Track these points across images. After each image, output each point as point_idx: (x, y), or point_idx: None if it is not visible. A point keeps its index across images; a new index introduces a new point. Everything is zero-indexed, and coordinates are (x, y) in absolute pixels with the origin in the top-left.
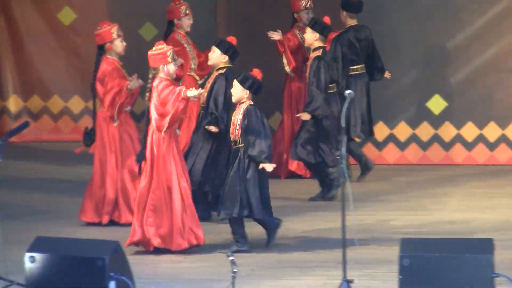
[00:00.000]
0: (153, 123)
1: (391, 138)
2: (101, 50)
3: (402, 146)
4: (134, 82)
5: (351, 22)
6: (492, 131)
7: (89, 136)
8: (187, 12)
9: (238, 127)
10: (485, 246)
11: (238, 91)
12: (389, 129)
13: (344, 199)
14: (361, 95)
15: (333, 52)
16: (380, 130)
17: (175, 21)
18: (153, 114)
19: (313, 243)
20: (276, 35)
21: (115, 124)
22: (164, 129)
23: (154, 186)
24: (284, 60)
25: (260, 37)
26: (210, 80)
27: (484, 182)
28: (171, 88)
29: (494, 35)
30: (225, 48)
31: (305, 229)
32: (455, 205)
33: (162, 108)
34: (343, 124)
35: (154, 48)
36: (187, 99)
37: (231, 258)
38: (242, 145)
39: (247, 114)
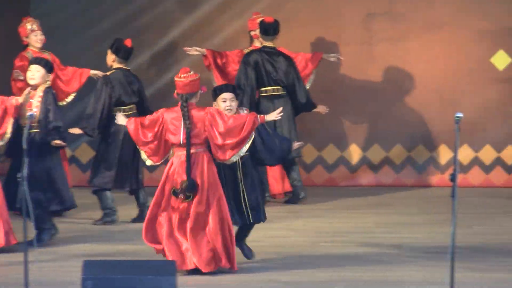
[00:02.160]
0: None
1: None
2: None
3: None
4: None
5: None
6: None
7: None
8: (33, 28)
9: None
10: (168, 268)
11: None
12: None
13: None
14: None
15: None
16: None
17: (24, 39)
18: None
19: None
20: (192, 50)
21: None
22: None
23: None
24: (212, 76)
25: None
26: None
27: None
28: None
29: None
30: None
31: None
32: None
33: None
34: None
35: None
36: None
37: None
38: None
39: None
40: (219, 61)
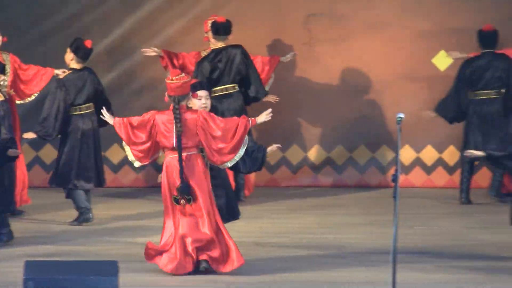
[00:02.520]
0: None
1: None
2: None
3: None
4: None
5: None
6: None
7: None
8: None
9: None
10: (110, 269)
11: None
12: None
13: None
14: None
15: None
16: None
17: None
18: None
19: None
20: (149, 51)
21: None
22: None
23: None
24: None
25: None
26: None
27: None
28: None
29: None
30: None
31: None
32: None
33: None
34: None
35: None
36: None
37: None
38: None
39: None
40: (175, 62)
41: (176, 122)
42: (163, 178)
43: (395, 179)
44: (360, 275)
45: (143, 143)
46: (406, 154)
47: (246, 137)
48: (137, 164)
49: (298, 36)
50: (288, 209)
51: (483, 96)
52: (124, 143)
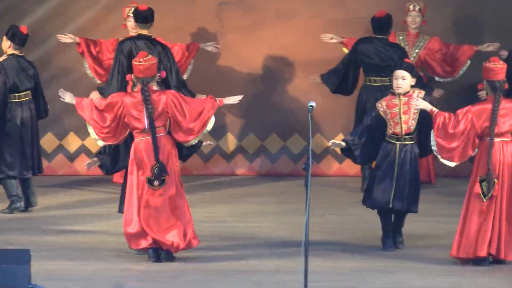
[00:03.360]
0: None
1: None
2: None
3: None
4: None
5: None
6: None
7: None
8: None
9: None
10: (22, 257)
11: None
12: None
13: None
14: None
15: None
16: None
17: None
18: None
19: None
20: (65, 38)
21: None
22: None
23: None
24: (85, 64)
25: None
26: None
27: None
28: None
29: None
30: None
31: None
32: None
33: None
34: None
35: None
36: None
37: None
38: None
39: None
40: (92, 49)
41: (146, 104)
42: (130, 161)
43: (306, 167)
44: (271, 264)
45: (109, 124)
46: (318, 143)
47: (213, 117)
48: (100, 143)
49: (210, 25)
50: (199, 198)
51: (377, 82)
52: (87, 123)
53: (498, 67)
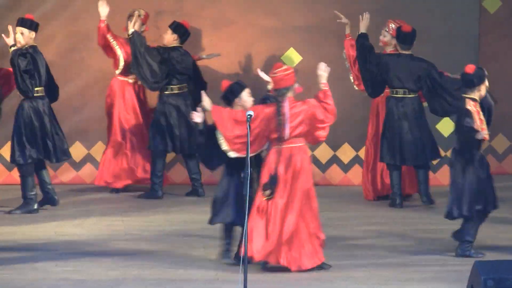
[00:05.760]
0: None
1: None
2: None
3: None
4: None
5: None
6: None
7: None
8: None
9: None
10: None
11: None
12: None
13: None
14: None
15: None
16: None
17: None
18: None
19: None
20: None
21: None
22: None
23: None
24: None
25: None
26: None
27: None
28: None
29: None
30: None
31: None
32: None
33: None
34: None
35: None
36: None
37: None
38: None
39: None
40: None
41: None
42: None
43: (245, 176)
44: (210, 274)
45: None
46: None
47: None
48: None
49: (147, 34)
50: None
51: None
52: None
53: None
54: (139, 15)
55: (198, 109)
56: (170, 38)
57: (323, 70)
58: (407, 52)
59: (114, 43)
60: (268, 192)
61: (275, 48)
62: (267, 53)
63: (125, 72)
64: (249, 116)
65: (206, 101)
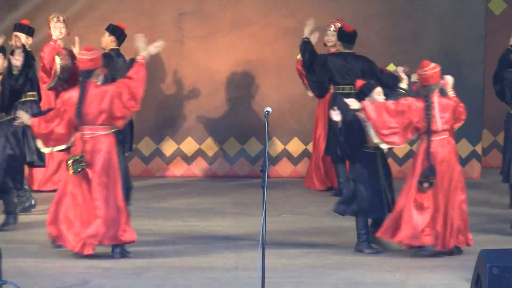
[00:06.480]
0: None
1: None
2: None
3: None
4: None
5: None
6: None
7: None
8: None
9: None
10: None
11: None
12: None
13: None
14: None
15: None
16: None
17: None
18: None
19: None
20: None
21: None
22: None
23: None
24: None
25: None
26: None
27: None
28: None
29: None
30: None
31: None
32: None
33: None
34: None
35: None
36: None
37: None
38: None
39: None
40: None
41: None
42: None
43: (263, 169)
44: (229, 261)
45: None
46: (274, 146)
47: None
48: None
49: (170, 34)
50: (159, 197)
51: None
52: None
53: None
54: (63, 20)
55: (335, 107)
56: (107, 41)
57: (450, 80)
58: (350, 51)
59: None
60: (426, 184)
61: (290, 47)
62: (283, 52)
63: None
64: (266, 113)
65: (352, 102)
